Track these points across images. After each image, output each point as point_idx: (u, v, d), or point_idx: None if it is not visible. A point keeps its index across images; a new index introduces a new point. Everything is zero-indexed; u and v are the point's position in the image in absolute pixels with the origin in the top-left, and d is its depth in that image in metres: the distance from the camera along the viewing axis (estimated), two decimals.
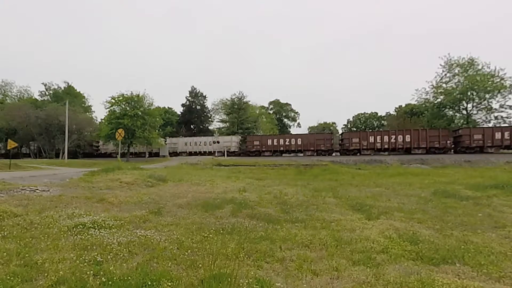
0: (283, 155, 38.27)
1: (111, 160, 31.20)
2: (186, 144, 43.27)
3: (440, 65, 44.25)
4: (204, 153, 41.83)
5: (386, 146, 34.20)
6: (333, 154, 36.54)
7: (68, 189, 9.66)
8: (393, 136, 34.04)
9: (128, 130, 34.94)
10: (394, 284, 3.16)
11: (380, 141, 34.34)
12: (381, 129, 57.98)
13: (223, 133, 54.24)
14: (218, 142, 41.40)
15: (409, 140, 33.32)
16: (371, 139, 34.67)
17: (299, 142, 37.47)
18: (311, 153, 36.79)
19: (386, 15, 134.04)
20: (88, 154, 47.53)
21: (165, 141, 44.99)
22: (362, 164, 26.40)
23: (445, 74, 43.71)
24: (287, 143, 37.95)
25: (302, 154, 37.45)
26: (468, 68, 41.69)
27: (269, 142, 38.83)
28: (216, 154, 40.19)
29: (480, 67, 41.35)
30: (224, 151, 39.32)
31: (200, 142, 43.07)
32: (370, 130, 37.53)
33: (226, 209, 7.18)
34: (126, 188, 10.68)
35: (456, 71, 42.64)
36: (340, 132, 69.14)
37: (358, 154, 34.70)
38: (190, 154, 42.06)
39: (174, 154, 42.80)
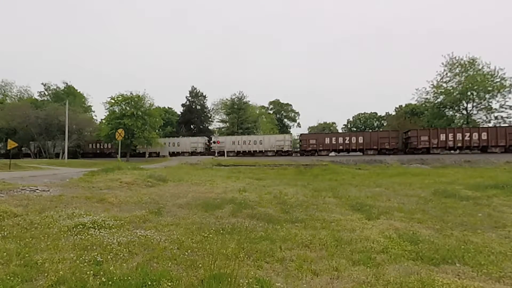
0: (340, 153, 35.77)
1: (111, 160, 31.20)
2: (234, 143, 40.26)
3: (442, 63, 44.26)
4: (254, 153, 39.05)
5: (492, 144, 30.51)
6: (398, 154, 33.44)
7: (68, 189, 9.65)
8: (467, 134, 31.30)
9: (128, 131, 34.94)
10: (394, 284, 3.16)
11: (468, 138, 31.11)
12: None
13: (223, 133, 54.23)
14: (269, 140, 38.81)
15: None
16: (450, 136, 32.01)
17: (360, 141, 34.94)
18: (373, 152, 34.22)
19: (386, 15, 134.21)
20: (88, 154, 47.49)
21: (210, 140, 42.86)
22: (362, 164, 26.40)
23: (446, 74, 43.73)
24: (346, 141, 35.39)
25: (360, 153, 34.92)
26: (468, 68, 41.69)
27: (327, 140, 36.21)
28: (268, 154, 37.88)
29: (480, 67, 41.36)
30: (276, 150, 37.35)
31: (250, 141, 39.97)
32: (441, 128, 34.55)
33: (226, 209, 7.18)
34: (126, 188, 10.68)
35: (457, 70, 42.64)
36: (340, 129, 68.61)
37: (426, 153, 32.36)
38: (238, 154, 39.56)
39: (221, 153, 39.80)
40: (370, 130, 44.64)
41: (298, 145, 41.73)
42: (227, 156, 38.38)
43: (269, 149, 38.59)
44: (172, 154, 42.38)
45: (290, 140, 39.27)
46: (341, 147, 35.47)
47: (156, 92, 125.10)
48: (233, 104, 58.58)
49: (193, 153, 41.89)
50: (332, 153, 36.17)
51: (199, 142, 42.91)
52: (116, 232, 4.90)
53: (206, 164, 27.45)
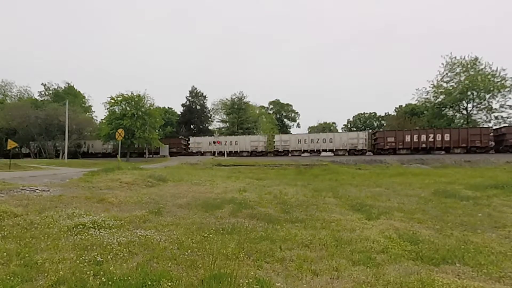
0: (420, 152, 32.45)
1: (111, 160, 31.20)
2: (300, 142, 37.18)
3: (442, 63, 44.29)
4: (320, 152, 35.43)
5: None
6: (490, 152, 31.21)
7: (68, 189, 9.65)
8: None
9: (128, 131, 34.92)
10: (394, 284, 3.16)
11: None
12: None
13: (223, 133, 54.21)
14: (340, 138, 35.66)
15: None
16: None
17: (447, 138, 31.87)
18: (461, 150, 31.41)
19: (386, 15, 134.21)
20: (88, 154, 47.47)
21: (274, 138, 39.69)
22: (362, 164, 26.40)
23: (446, 74, 43.74)
24: (430, 139, 32.14)
25: (444, 152, 32.11)
26: (469, 67, 41.69)
27: (407, 138, 32.89)
28: (340, 153, 34.67)
29: (482, 66, 41.37)
30: (348, 149, 34.66)
31: (318, 140, 36.20)
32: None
33: (226, 209, 7.18)
34: (126, 188, 10.68)
35: (458, 70, 42.65)
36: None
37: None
38: (304, 153, 36.55)
39: (285, 153, 37.10)
40: (459, 126, 39.34)
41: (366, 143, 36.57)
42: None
43: (340, 148, 35.43)
44: (230, 154, 39.27)
45: (365, 138, 35.47)
46: (423, 145, 32.23)
47: (156, 92, 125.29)
48: (233, 104, 58.61)
49: (253, 153, 38.90)
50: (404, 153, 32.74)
51: (260, 140, 39.56)
52: (116, 232, 4.90)
53: (206, 164, 27.45)
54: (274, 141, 39.02)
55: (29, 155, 47.59)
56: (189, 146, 42.81)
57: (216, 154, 39.78)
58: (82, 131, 45.53)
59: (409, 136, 33.15)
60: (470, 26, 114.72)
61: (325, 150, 36.33)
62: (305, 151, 37.16)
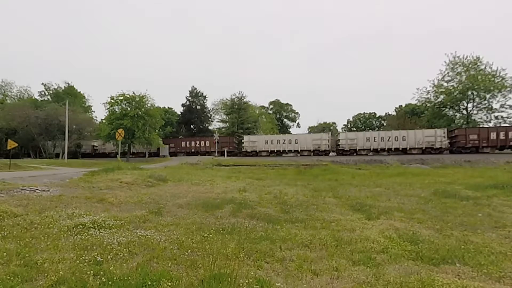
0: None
1: (111, 160, 31.20)
2: (369, 140, 34.82)
3: (444, 62, 44.27)
4: (395, 151, 33.10)
5: None
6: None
7: (68, 189, 9.65)
8: None
9: (128, 131, 34.91)
10: (394, 284, 3.16)
11: None
12: None
13: (223, 133, 54.18)
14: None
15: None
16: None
17: None
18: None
19: (386, 15, 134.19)
20: (88, 154, 47.46)
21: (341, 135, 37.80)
22: (362, 164, 26.40)
23: (448, 73, 43.74)
24: None
25: None
26: (470, 67, 41.67)
27: (493, 135, 30.60)
28: (413, 152, 31.90)
29: (483, 66, 41.35)
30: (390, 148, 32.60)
31: (399, 136, 33.17)
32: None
33: (226, 209, 7.18)
34: (126, 188, 10.68)
35: (459, 69, 42.63)
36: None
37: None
38: (372, 151, 34.73)
39: (351, 152, 35.25)
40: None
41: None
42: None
43: (415, 147, 33.37)
44: (282, 154, 37.86)
45: (443, 135, 32.99)
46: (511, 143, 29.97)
47: (156, 92, 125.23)
48: (233, 104, 58.59)
49: (315, 152, 36.98)
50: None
51: (323, 138, 37.23)
52: (116, 232, 4.90)
53: (206, 164, 27.46)
54: (339, 140, 36.51)
55: (29, 155, 47.61)
56: (242, 145, 40.82)
57: (273, 154, 37.74)
58: (82, 131, 45.53)
59: (494, 133, 30.91)
60: (470, 26, 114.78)
61: (400, 149, 33.32)
62: (370, 149, 35.05)
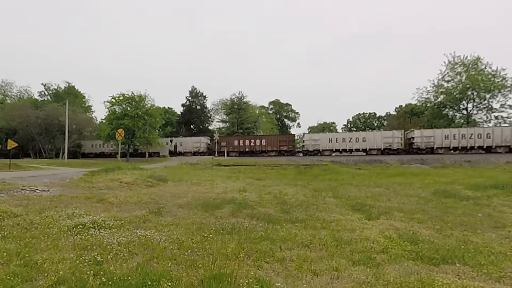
0: None
1: (111, 160, 31.20)
2: (450, 137, 31.60)
3: (444, 62, 44.24)
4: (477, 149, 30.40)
5: None
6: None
7: (68, 189, 9.65)
8: None
9: (128, 131, 34.93)
10: (394, 284, 3.16)
11: None
12: None
13: (223, 133, 54.20)
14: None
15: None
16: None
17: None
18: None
19: (386, 15, 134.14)
20: (88, 154, 47.45)
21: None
22: (362, 164, 26.40)
23: (447, 73, 43.73)
24: None
25: None
26: (471, 67, 41.67)
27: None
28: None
29: (483, 66, 41.35)
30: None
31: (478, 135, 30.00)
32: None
33: (226, 209, 7.18)
34: (126, 188, 10.68)
35: (459, 69, 42.63)
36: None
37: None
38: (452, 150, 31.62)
39: (427, 150, 32.36)
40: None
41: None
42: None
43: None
44: (346, 152, 35.64)
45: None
46: None
47: (156, 92, 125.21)
48: (233, 104, 58.62)
49: (385, 151, 33.91)
50: None
51: (395, 136, 34.05)
52: (116, 232, 4.90)
53: (206, 164, 27.46)
54: (414, 137, 33.03)
55: (29, 155, 47.63)
56: (303, 144, 38.08)
57: (338, 153, 35.39)
58: (82, 131, 45.55)
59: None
60: (470, 26, 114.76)
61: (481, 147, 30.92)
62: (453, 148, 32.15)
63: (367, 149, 34.40)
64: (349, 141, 35.30)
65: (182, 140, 43.90)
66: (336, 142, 35.86)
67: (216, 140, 41.32)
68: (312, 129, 79.81)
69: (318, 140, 36.71)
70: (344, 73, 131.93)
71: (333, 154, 35.46)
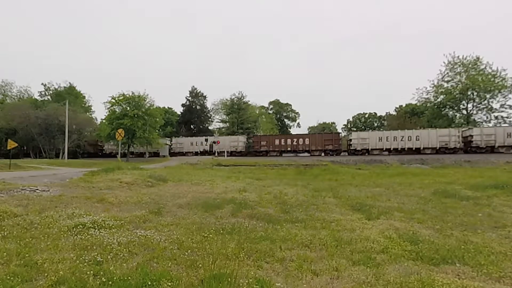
0: None
1: (111, 160, 31.19)
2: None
3: (444, 62, 44.25)
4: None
5: None
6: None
7: (68, 189, 9.65)
8: None
9: (128, 131, 34.92)
10: (394, 284, 3.16)
11: None
12: None
13: (223, 133, 54.17)
14: None
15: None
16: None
17: None
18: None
19: (386, 15, 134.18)
20: (88, 154, 47.42)
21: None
22: (362, 164, 26.39)
23: (447, 73, 43.74)
24: None
25: None
26: (470, 67, 41.68)
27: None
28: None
29: (483, 66, 41.36)
30: None
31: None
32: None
33: (226, 209, 7.18)
34: (126, 188, 10.68)
35: (459, 70, 42.64)
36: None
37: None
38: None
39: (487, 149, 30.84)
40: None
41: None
42: None
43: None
44: (402, 152, 33.84)
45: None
46: None
47: (156, 92, 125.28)
48: (233, 104, 58.65)
49: (440, 150, 32.65)
50: None
51: (452, 134, 32.58)
52: (116, 232, 4.90)
53: (206, 164, 27.45)
54: (472, 135, 31.62)
55: (29, 155, 47.63)
56: (350, 143, 36.50)
57: (389, 152, 33.90)
58: (82, 131, 45.51)
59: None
60: (471, 26, 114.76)
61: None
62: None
63: (421, 148, 32.74)
64: (401, 140, 33.53)
65: (218, 139, 41.55)
66: (387, 140, 33.95)
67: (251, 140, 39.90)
68: (312, 129, 79.84)
69: (367, 139, 34.80)
70: (344, 73, 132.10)
71: (384, 154, 33.66)
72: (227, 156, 38.22)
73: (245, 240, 4.62)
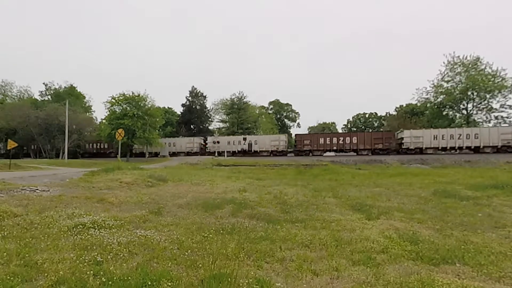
0: None
1: (111, 160, 31.19)
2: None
3: (443, 62, 44.22)
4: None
5: None
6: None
7: (68, 189, 9.65)
8: None
9: (128, 131, 34.93)
10: (394, 284, 3.16)
11: None
12: None
13: (223, 133, 54.12)
14: None
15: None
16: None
17: None
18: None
19: (386, 15, 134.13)
20: (88, 154, 47.42)
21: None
22: (362, 164, 26.39)
23: (447, 73, 43.71)
24: None
25: None
26: (470, 67, 41.64)
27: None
28: None
29: (483, 66, 41.33)
30: None
31: None
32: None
33: (226, 209, 7.18)
34: (126, 188, 10.67)
35: (459, 70, 42.60)
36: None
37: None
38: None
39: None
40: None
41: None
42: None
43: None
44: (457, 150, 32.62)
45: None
46: None
47: (156, 92, 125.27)
48: (233, 104, 58.62)
49: (502, 148, 31.45)
50: None
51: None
52: (116, 232, 4.89)
53: (206, 164, 27.45)
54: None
55: (29, 155, 47.62)
56: (402, 142, 34.17)
57: (444, 151, 32.50)
58: (82, 131, 45.52)
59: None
60: (471, 26, 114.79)
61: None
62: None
63: (481, 147, 31.23)
64: (458, 138, 31.90)
65: (258, 138, 40.60)
66: (443, 139, 32.29)
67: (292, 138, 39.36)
68: (312, 129, 79.84)
69: (421, 137, 32.97)
70: (344, 73, 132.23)
71: (439, 153, 32.33)
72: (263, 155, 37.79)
73: (245, 240, 4.62)
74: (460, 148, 32.10)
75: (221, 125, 62.53)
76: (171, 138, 47.43)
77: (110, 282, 3.00)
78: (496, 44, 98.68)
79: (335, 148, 36.76)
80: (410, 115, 54.81)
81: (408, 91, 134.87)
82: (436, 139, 32.60)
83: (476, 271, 3.53)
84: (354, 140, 36.15)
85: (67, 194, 8.52)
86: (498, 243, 4.62)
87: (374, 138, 35.56)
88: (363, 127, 77.27)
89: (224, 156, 38.08)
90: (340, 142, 36.56)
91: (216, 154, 39.77)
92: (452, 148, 32.32)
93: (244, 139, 40.31)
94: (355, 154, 35.46)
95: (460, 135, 32.10)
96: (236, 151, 39.87)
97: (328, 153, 37.01)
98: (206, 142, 43.05)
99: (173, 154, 42.45)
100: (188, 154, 41.17)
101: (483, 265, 3.68)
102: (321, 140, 37.34)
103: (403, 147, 33.86)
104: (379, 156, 32.39)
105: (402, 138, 34.15)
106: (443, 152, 32.49)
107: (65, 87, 57.74)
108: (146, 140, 38.09)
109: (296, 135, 41.80)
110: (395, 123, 54.66)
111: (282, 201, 8.44)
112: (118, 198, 8.20)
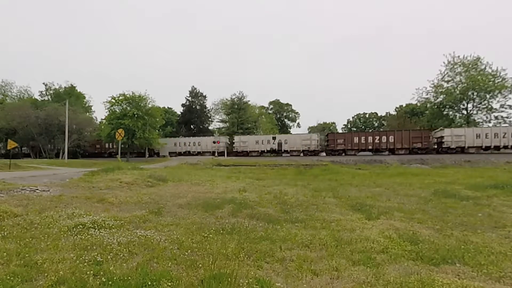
0: None
1: (111, 160, 31.19)
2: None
3: (443, 62, 44.18)
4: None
5: None
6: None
7: (68, 189, 9.65)
8: None
9: (128, 131, 34.92)
10: (394, 284, 3.16)
11: None
12: None
13: (223, 133, 54.08)
14: None
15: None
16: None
17: None
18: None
19: (386, 15, 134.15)
20: (88, 154, 47.41)
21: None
22: (362, 164, 26.39)
23: (447, 73, 43.67)
24: None
25: None
26: (470, 67, 41.61)
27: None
28: None
29: (483, 66, 41.30)
30: None
31: None
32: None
33: (226, 209, 7.18)
34: (126, 188, 10.67)
35: (459, 70, 42.57)
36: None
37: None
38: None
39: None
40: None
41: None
42: None
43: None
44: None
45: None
46: None
47: (156, 92, 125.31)
48: (233, 104, 58.59)
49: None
50: None
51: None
52: (116, 232, 4.89)
53: (206, 164, 27.45)
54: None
55: (29, 155, 47.61)
56: (443, 140, 32.28)
57: (483, 150, 30.78)
58: (82, 131, 45.50)
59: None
60: (470, 26, 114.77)
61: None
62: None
63: None
64: (503, 137, 30.09)
65: (288, 138, 39.05)
66: (486, 137, 30.47)
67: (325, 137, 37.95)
68: (312, 129, 79.79)
69: (462, 136, 31.17)
70: (344, 73, 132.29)
71: (481, 152, 30.61)
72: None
73: (245, 240, 4.62)
74: (505, 147, 30.31)
75: (221, 125, 62.50)
76: (195, 137, 45.81)
77: (110, 282, 3.00)
78: (496, 44, 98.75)
79: (370, 147, 34.84)
80: (410, 115, 54.85)
81: (408, 91, 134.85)
82: (479, 137, 30.82)
83: (476, 271, 3.53)
84: (391, 139, 34.11)
85: (67, 194, 8.53)
86: (498, 243, 4.62)
87: (413, 137, 33.43)
88: (363, 127, 77.27)
89: (224, 155, 38.01)
90: (376, 141, 34.56)
91: (216, 154, 39.68)
92: (496, 147, 30.61)
93: (274, 138, 38.93)
94: (390, 154, 33.69)
95: (505, 133, 30.07)
96: (265, 151, 38.63)
97: (362, 153, 35.19)
98: (234, 141, 41.98)
99: (198, 154, 41.23)
100: (213, 154, 40.47)
101: (483, 265, 3.68)
102: (356, 139, 35.43)
103: (443, 146, 32.12)
104: (380, 156, 32.37)
105: (442, 137, 32.54)
106: (487, 152, 30.91)
107: (65, 87, 57.66)
108: (146, 140, 38.05)
109: (328, 134, 40.76)
110: (395, 123, 54.71)
111: (282, 201, 8.44)
112: (118, 198, 8.20)
